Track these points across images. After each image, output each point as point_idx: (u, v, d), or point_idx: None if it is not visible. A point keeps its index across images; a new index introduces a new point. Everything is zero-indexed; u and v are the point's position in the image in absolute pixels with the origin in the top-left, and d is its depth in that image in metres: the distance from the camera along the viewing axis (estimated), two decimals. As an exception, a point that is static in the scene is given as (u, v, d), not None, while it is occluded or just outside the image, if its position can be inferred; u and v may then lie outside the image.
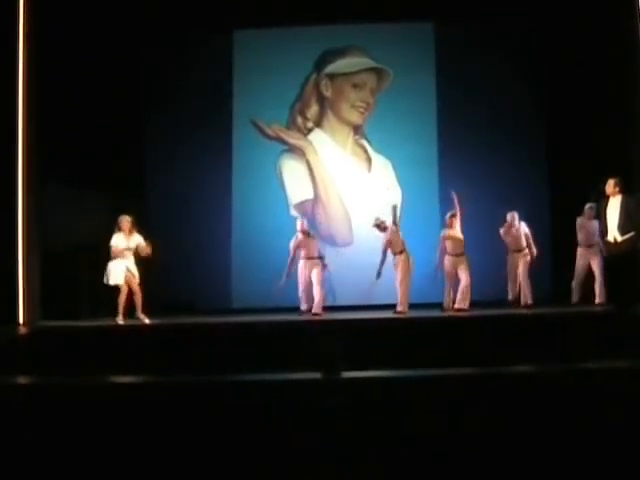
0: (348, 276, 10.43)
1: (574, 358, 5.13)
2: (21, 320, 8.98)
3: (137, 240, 8.96)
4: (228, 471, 3.69)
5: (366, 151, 11.17)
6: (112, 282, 8.88)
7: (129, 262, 8.92)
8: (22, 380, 4.64)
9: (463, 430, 3.66)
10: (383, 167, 11.09)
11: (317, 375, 4.03)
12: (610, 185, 8.63)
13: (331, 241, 10.93)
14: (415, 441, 3.61)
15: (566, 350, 6.16)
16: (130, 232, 8.96)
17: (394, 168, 11.04)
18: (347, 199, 11.03)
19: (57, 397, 4.04)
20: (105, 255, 8.94)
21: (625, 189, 8.65)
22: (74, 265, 10.04)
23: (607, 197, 8.67)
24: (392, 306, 9.21)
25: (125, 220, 8.93)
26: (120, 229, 8.92)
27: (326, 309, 9.48)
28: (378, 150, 11.10)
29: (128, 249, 8.89)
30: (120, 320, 8.76)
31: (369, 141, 11.16)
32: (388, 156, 11.07)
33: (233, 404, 3.87)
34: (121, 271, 8.87)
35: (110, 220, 9.12)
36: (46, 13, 9.33)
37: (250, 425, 3.74)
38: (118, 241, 8.87)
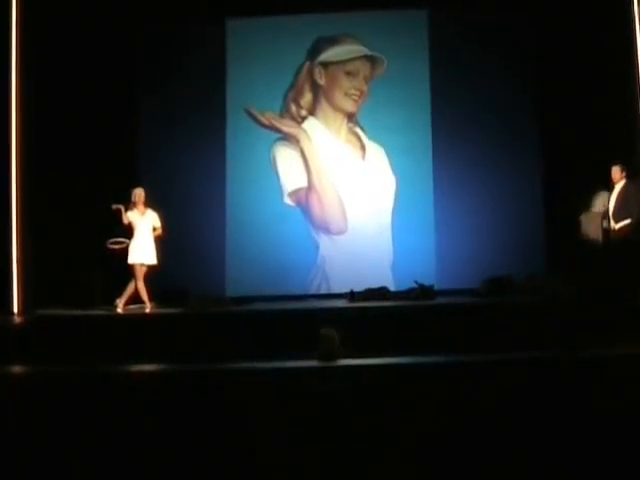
0: (342, 264, 10.43)
1: (574, 345, 5.16)
2: (15, 309, 8.97)
3: (152, 217, 9.00)
4: (224, 458, 3.70)
5: (360, 139, 11.13)
6: (130, 261, 8.81)
7: (150, 243, 8.90)
8: (17, 369, 4.64)
9: (460, 416, 3.68)
10: (377, 154, 11.06)
11: (314, 363, 4.05)
12: (616, 172, 8.47)
13: (325, 229, 10.92)
14: (414, 428, 3.63)
15: (566, 337, 6.19)
16: (144, 207, 8.98)
17: (388, 155, 11.00)
18: (341, 187, 11.01)
19: (52, 386, 4.05)
20: (100, 243, 8.93)
21: (631, 175, 8.47)
22: (69, 253, 10.02)
23: (613, 184, 8.53)
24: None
25: (137, 194, 8.92)
26: (135, 204, 8.90)
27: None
28: (372, 137, 11.07)
29: (146, 227, 8.88)
30: (120, 308, 8.71)
31: (363, 129, 11.13)
32: (382, 143, 11.03)
33: (228, 391, 3.88)
34: (145, 250, 8.83)
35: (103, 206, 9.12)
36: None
37: (245, 412, 3.75)
38: (134, 218, 8.86)
